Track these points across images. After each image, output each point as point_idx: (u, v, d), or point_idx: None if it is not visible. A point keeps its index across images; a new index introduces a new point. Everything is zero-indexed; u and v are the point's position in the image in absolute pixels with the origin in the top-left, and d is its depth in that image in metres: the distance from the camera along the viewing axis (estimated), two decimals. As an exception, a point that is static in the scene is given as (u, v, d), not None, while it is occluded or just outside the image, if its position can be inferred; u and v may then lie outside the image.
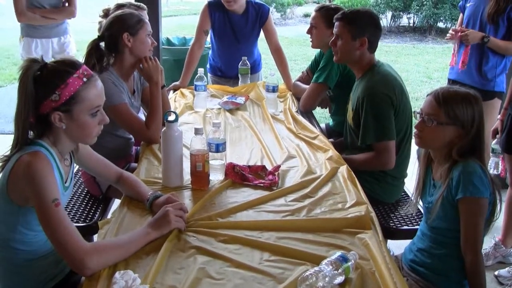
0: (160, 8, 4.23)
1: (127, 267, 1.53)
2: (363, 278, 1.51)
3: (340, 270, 1.46)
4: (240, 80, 3.67)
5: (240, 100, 3.26)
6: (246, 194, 2.06)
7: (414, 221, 2.50)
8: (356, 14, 2.55)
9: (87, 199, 2.65)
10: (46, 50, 4.20)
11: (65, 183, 1.77)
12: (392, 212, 2.59)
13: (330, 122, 3.48)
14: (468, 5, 3.40)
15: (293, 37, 11.88)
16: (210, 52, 4.05)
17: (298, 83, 3.52)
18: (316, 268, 1.45)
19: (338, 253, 1.52)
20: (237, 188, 2.12)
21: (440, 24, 12.60)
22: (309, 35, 3.26)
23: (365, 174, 2.53)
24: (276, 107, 3.20)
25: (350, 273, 1.49)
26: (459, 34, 3.29)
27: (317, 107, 3.39)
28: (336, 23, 2.59)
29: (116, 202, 2.43)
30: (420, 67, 9.26)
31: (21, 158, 1.58)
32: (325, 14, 3.09)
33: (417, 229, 2.14)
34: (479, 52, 3.29)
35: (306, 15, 14.41)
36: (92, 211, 2.54)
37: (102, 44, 2.56)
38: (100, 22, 3.16)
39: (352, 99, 2.62)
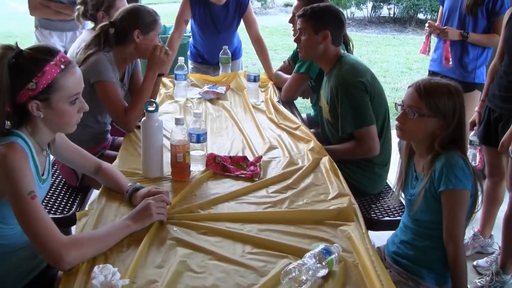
0: (139, -5, 4.16)
1: (106, 261, 1.50)
2: (346, 271, 1.50)
3: (323, 263, 1.45)
4: (221, 69, 3.63)
5: (221, 89, 3.22)
6: (227, 186, 2.04)
7: (395, 212, 2.50)
8: (317, 9, 2.57)
9: (64, 189, 2.60)
10: (59, 43, 4.03)
11: (42, 175, 1.71)
12: (374, 203, 2.59)
13: (311, 112, 3.46)
14: (447, -3, 3.41)
15: (273, 27, 11.80)
16: (190, 39, 4.01)
17: (280, 73, 3.50)
18: (300, 261, 1.43)
19: (322, 245, 1.52)
20: (218, 179, 2.10)
21: (420, 15, 12.62)
22: (291, 25, 3.23)
23: (351, 164, 2.54)
24: (258, 96, 3.17)
25: (334, 266, 1.49)
26: (437, 30, 3.32)
27: (298, 97, 3.37)
28: (298, 20, 2.62)
29: (95, 193, 2.39)
30: (400, 57, 9.28)
31: None
32: (307, 3, 3.06)
33: (398, 220, 2.14)
34: (460, 44, 3.30)
35: (287, 5, 14.33)
36: (70, 202, 2.49)
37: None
38: (78, 9, 3.08)
39: (325, 94, 2.62)
